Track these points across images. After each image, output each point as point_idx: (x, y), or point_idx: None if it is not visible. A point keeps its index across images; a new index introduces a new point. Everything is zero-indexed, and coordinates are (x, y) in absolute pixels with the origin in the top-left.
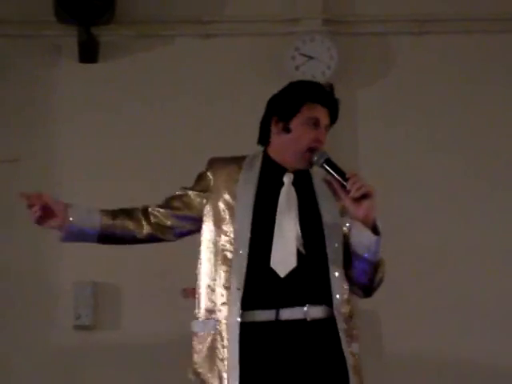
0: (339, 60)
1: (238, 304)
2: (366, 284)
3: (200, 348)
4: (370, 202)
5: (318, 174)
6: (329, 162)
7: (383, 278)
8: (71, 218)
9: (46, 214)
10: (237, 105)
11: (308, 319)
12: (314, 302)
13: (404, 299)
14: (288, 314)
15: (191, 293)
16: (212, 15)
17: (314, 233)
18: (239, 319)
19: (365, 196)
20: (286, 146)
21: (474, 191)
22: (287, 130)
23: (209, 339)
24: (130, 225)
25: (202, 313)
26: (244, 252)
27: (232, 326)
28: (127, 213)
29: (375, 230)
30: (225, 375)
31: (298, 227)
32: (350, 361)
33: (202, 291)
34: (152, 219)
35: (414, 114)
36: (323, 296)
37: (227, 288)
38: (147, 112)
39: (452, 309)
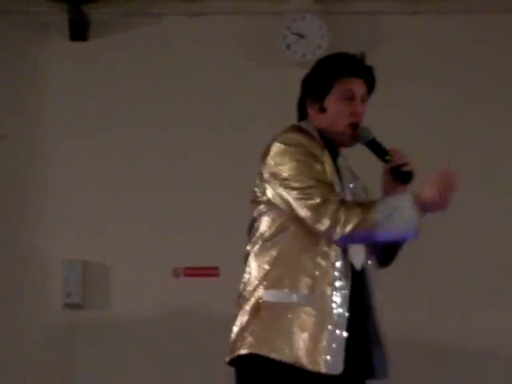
0: (330, 39)
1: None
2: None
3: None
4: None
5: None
6: (373, 142)
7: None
8: None
9: None
10: (226, 83)
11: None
12: None
13: None
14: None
15: (182, 272)
16: None
17: None
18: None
19: (406, 175)
20: (326, 127)
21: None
22: (323, 109)
23: (312, 317)
24: None
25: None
26: None
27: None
28: None
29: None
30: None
31: None
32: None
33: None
34: None
35: (405, 94)
36: None
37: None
38: (136, 90)
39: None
